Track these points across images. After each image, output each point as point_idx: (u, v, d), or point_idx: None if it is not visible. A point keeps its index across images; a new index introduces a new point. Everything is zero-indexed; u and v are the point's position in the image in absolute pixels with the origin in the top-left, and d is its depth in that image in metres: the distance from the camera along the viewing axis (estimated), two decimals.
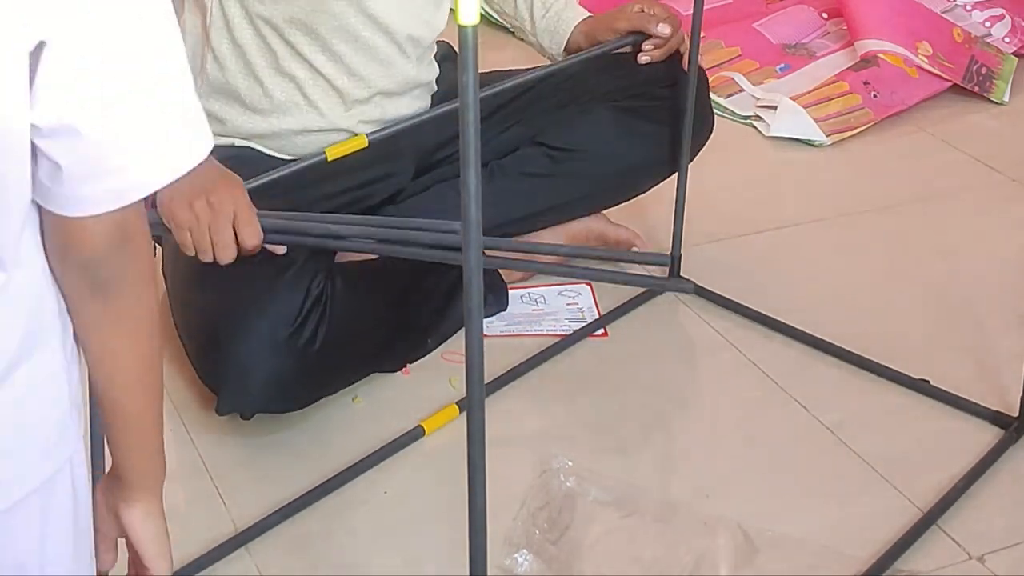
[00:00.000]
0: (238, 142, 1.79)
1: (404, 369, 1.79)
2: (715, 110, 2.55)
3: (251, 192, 1.65)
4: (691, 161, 1.94)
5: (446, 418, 1.67)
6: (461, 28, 0.79)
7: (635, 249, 2.00)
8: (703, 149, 1.99)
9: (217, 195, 1.52)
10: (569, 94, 1.93)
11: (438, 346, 1.82)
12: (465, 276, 0.87)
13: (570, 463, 1.57)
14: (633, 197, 1.99)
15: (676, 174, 1.93)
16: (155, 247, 1.88)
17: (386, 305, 1.74)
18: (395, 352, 1.78)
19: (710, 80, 2.61)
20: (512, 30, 2.02)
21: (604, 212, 2.00)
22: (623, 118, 1.91)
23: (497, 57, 2.14)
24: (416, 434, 1.66)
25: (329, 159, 1.71)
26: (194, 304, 1.66)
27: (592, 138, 1.91)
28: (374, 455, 1.62)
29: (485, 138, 1.87)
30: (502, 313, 1.91)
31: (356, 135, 1.76)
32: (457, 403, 1.69)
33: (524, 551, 1.47)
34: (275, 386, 1.58)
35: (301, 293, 1.60)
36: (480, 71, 2.11)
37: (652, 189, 2.00)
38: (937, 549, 1.50)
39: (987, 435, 1.68)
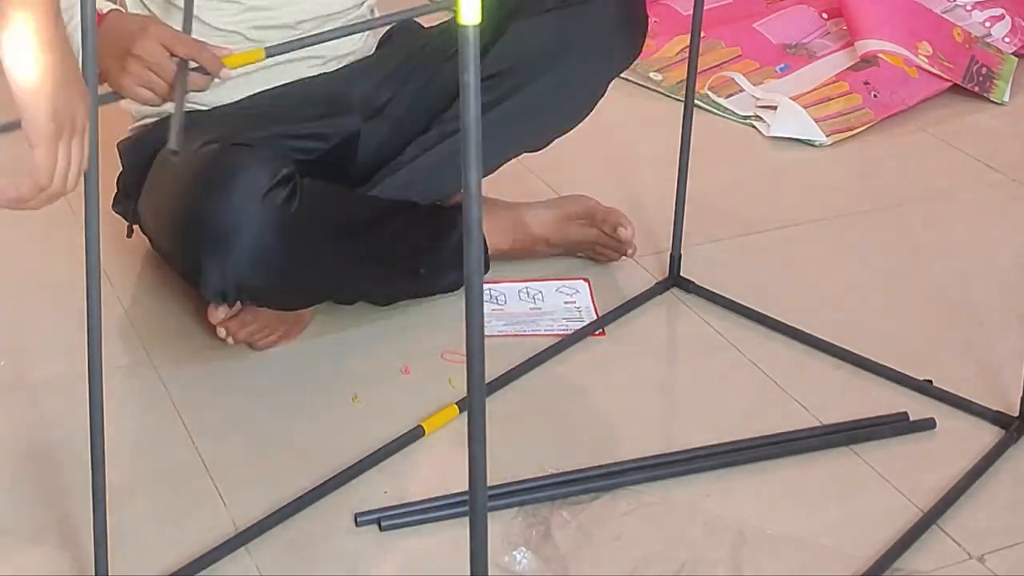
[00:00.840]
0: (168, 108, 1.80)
1: (404, 369, 1.79)
2: (715, 110, 2.56)
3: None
4: (625, 58, 1.93)
5: (446, 418, 1.67)
6: (462, 27, 0.78)
7: (622, 230, 1.98)
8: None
9: (138, 45, 1.58)
10: (504, 22, 1.88)
11: (431, 278, 1.84)
12: (466, 273, 0.86)
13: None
14: (583, 112, 1.94)
15: (676, 175, 1.93)
16: (130, 228, 1.90)
17: (364, 217, 1.76)
18: (383, 274, 1.80)
19: (710, 80, 2.62)
20: None
21: (596, 207, 2.00)
22: (552, 23, 1.86)
23: None
24: (416, 434, 1.65)
25: (229, 67, 1.64)
26: (170, 193, 1.70)
27: (525, 51, 1.86)
28: (374, 455, 1.62)
29: (423, 86, 1.88)
30: (501, 312, 1.90)
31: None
32: (457, 403, 1.69)
33: (522, 548, 1.47)
34: (257, 248, 1.63)
35: (273, 165, 1.64)
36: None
37: (649, 183, 1.99)
38: (937, 549, 1.50)
39: (987, 435, 1.68)
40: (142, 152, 1.82)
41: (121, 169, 1.89)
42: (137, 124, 1.89)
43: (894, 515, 1.54)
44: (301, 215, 1.65)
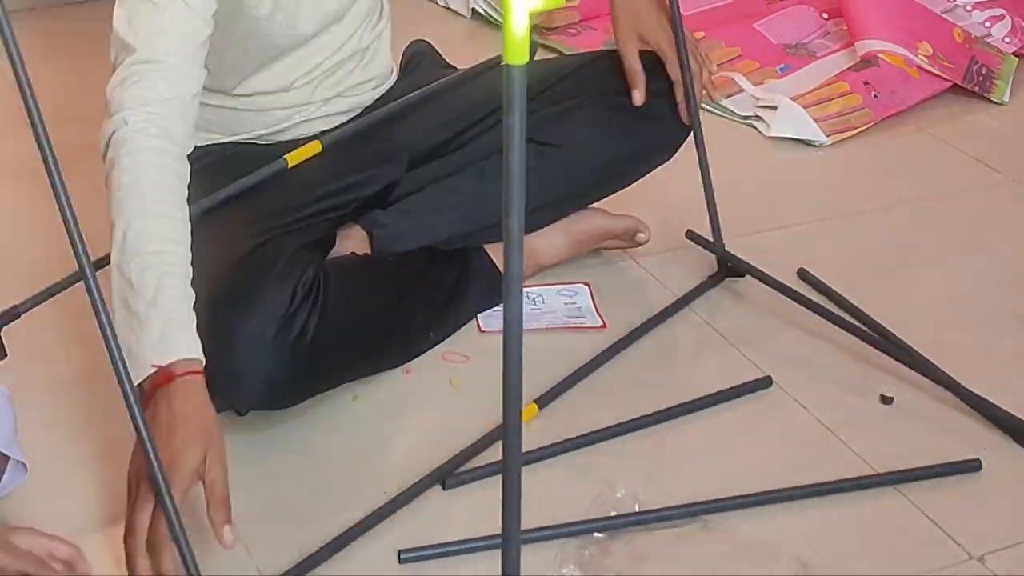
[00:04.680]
0: (219, 139, 1.80)
1: (405, 369, 1.79)
2: (715, 110, 2.56)
3: (235, 195, 1.69)
4: (665, 161, 1.96)
5: (526, 416, 1.65)
6: (508, 68, 0.73)
7: (640, 235, 2.00)
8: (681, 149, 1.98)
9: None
10: (560, 92, 1.93)
11: (440, 342, 1.82)
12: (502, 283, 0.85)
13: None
14: (620, 189, 2.00)
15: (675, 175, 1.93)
16: None
17: (383, 301, 1.73)
18: (395, 349, 1.77)
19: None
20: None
21: (602, 208, 2.00)
22: (609, 115, 1.91)
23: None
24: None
25: (289, 165, 1.73)
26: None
27: (578, 133, 1.90)
28: (374, 454, 1.62)
29: (475, 134, 1.88)
30: (499, 312, 1.90)
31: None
32: (536, 400, 1.68)
33: (571, 565, 1.44)
34: (266, 384, 1.57)
35: (289, 288, 1.57)
36: (468, 65, 2.12)
37: (648, 183, 1.99)
38: (937, 549, 1.50)
39: (991, 437, 1.68)
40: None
41: None
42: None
43: (894, 516, 1.54)
44: (317, 345, 1.59)
